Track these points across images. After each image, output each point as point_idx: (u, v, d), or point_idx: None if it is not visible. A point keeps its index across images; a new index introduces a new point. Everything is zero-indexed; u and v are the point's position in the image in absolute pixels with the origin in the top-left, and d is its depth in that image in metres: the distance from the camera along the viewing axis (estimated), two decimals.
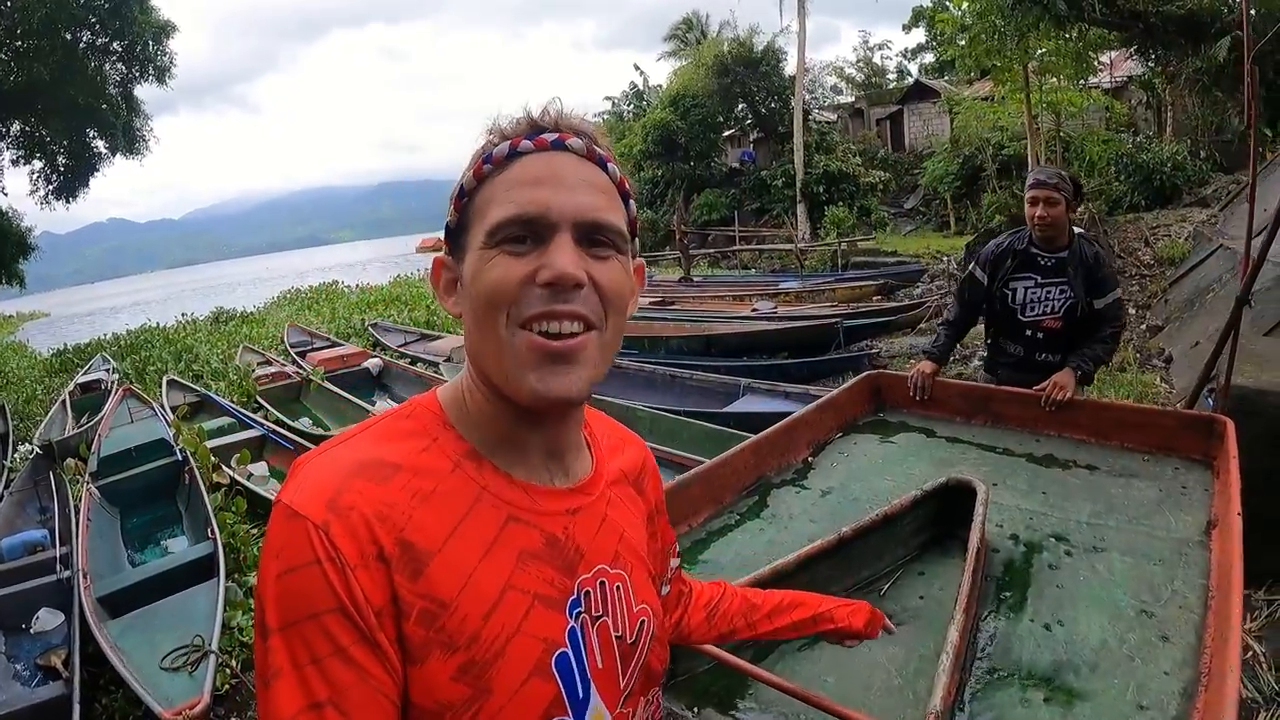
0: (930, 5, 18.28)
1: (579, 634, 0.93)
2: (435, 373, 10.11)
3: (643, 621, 1.03)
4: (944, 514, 2.52)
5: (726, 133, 33.46)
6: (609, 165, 0.95)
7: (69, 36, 13.47)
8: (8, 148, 16.00)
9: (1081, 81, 18.01)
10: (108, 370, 13.82)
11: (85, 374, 13.48)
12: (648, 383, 9.02)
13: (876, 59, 40.06)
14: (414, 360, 11.92)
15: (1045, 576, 2.25)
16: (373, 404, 9.51)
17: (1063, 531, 2.49)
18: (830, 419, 3.70)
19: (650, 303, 15.57)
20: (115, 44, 14.05)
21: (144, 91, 16.19)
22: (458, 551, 0.84)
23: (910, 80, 34.84)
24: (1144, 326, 9.29)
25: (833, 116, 33.82)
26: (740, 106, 31.62)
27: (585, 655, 0.93)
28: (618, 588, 1.00)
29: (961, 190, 24.85)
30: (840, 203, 26.32)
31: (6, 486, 7.64)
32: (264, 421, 8.57)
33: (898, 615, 2.18)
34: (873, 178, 28.04)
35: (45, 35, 12.90)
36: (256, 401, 10.20)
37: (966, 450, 3.29)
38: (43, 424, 10.23)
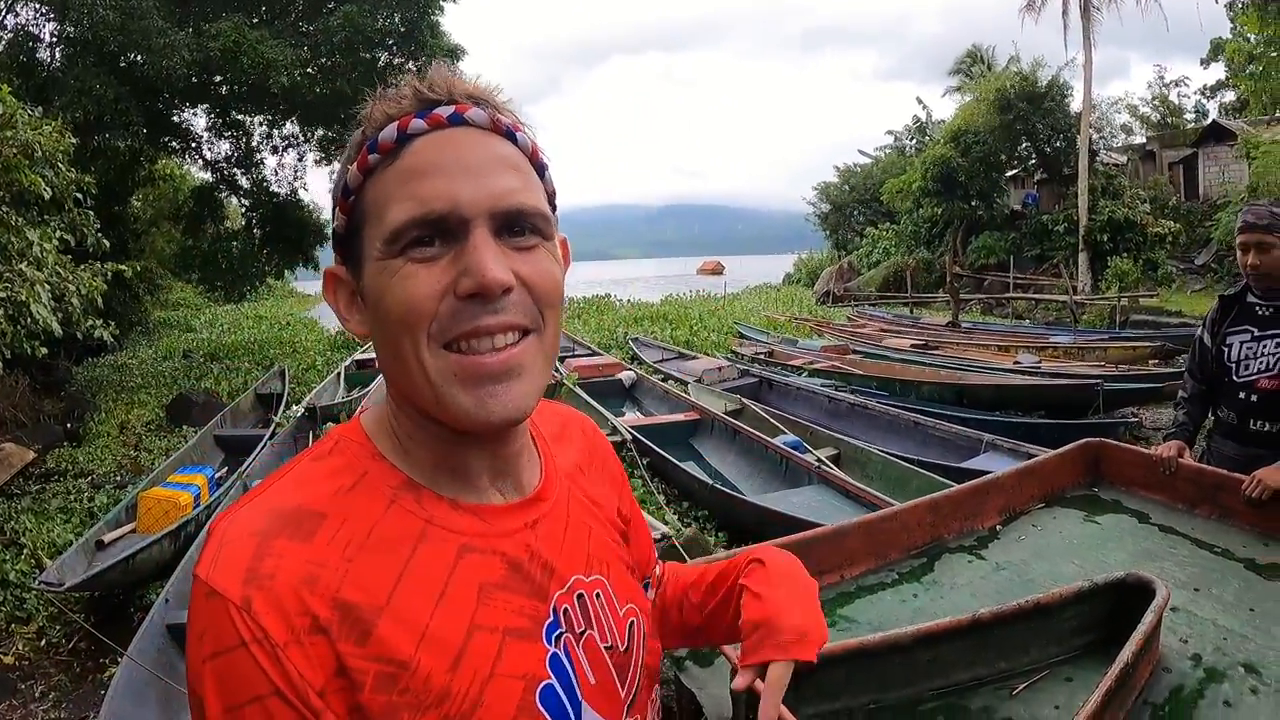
0: (1229, 37, 16.18)
1: (563, 659, 0.83)
2: (684, 391, 10.21)
3: (632, 623, 0.93)
4: (1119, 616, 2.15)
5: (1009, 173, 31.47)
6: (518, 135, 0.82)
7: (367, 56, 14.75)
8: (312, 150, 17.79)
9: None
10: None
11: (362, 352, 14.83)
12: (889, 426, 8.71)
13: (1173, 96, 36.29)
14: (666, 378, 12.10)
15: (1215, 715, 1.85)
16: (621, 414, 9.72)
17: (1257, 662, 2.04)
18: (1031, 486, 3.32)
19: (911, 345, 15.11)
20: (410, 64, 15.24)
21: None
22: (407, 600, 0.74)
23: (1208, 121, 31.27)
24: None
25: (1122, 159, 30.80)
26: (1023, 145, 29.54)
27: (576, 678, 0.83)
28: (598, 595, 0.90)
29: None
30: (1125, 254, 24.12)
31: (271, 438, 8.49)
32: None
33: None
34: (1161, 228, 25.31)
35: (345, 54, 14.22)
36: None
37: (1179, 544, 2.82)
38: (315, 390, 11.33)
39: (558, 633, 0.83)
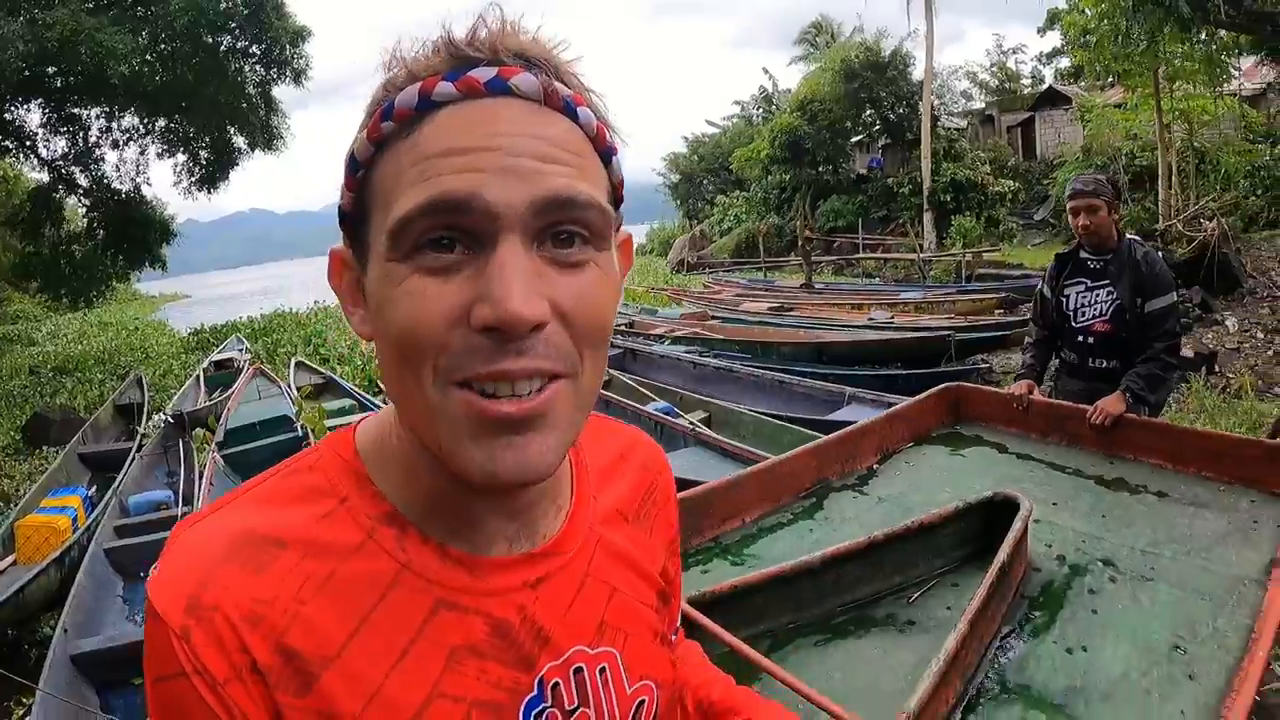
0: (1064, 7, 17.54)
1: None
2: None
3: (641, 702, 0.79)
4: (991, 530, 2.45)
5: (855, 139, 32.74)
6: (580, 110, 0.62)
7: (211, 40, 14.05)
8: (154, 142, 16.90)
9: (1216, 88, 16.81)
10: (241, 350, 14.68)
11: (220, 352, 14.38)
12: (755, 386, 9.00)
13: (1010, 63, 38.74)
14: None
15: (1082, 601, 2.18)
16: None
17: (1113, 557, 2.40)
18: (901, 428, 3.67)
19: (768, 308, 15.56)
20: (254, 48, 14.58)
21: (281, 91, 16.89)
22: (362, 655, 0.63)
23: (1044, 86, 33.50)
24: (1271, 352, 8.84)
25: (962, 123, 32.68)
26: (868, 112, 30.83)
27: None
28: (601, 670, 0.75)
29: None
30: (968, 212, 25.60)
31: (139, 450, 8.19)
32: (383, 405, 8.83)
33: (921, 623, 2.16)
34: (1002, 187, 27.06)
35: (188, 39, 13.50)
36: (378, 386, 10.56)
37: (1035, 468, 3.21)
38: (176, 396, 10.95)
39: (540, 708, 0.71)
